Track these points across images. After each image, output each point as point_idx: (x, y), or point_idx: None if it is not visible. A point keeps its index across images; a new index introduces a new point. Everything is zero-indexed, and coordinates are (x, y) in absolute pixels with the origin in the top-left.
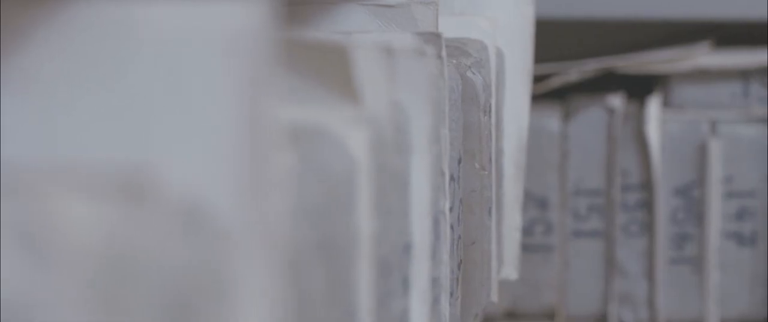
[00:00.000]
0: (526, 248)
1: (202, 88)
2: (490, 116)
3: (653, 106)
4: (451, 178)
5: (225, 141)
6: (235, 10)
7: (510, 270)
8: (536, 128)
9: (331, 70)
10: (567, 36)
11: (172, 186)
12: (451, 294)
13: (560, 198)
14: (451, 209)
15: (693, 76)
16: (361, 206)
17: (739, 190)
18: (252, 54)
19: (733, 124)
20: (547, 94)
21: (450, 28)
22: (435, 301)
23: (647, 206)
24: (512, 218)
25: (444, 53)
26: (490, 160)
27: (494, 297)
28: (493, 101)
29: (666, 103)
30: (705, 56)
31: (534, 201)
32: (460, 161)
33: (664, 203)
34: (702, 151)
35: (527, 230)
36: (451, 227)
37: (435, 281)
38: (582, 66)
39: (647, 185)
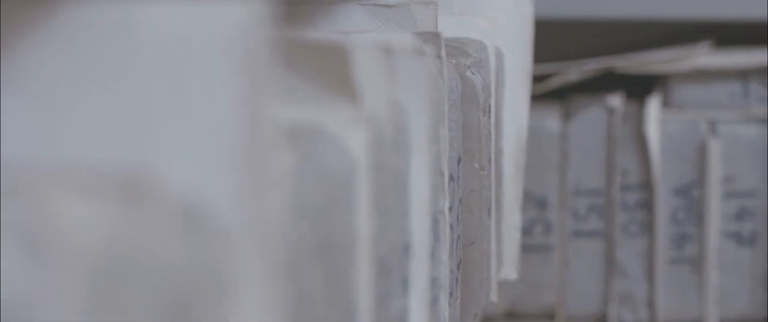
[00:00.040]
0: (526, 248)
1: (201, 88)
2: (489, 116)
3: (653, 106)
4: (451, 178)
5: (224, 141)
6: (234, 10)
7: (509, 270)
8: (536, 128)
9: (331, 70)
10: (567, 36)
11: (172, 186)
12: (451, 294)
13: (560, 198)
14: (450, 209)
15: (693, 76)
16: (361, 206)
17: (739, 190)
18: (251, 54)
19: (733, 124)
20: (546, 94)
21: (449, 28)
22: (434, 301)
23: (647, 206)
24: (512, 218)
25: (443, 53)
26: (490, 160)
27: (494, 297)
28: (492, 101)
29: (666, 103)
30: (705, 56)
31: (533, 201)
32: (459, 161)
33: (664, 203)
34: (702, 152)
35: (527, 230)
36: (451, 227)
37: (434, 281)
38: (582, 66)
39: (647, 185)
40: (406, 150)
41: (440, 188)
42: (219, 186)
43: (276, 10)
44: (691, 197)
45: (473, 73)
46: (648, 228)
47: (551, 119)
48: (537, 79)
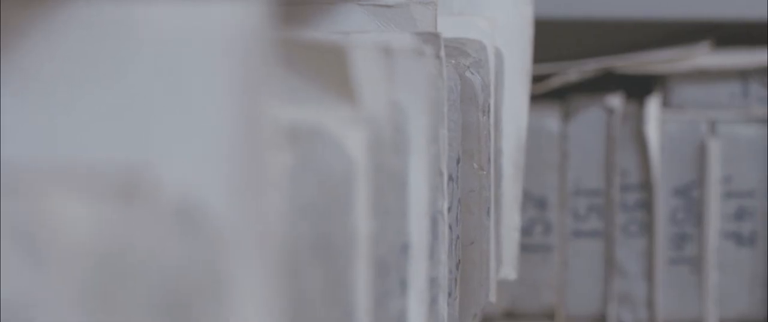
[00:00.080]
0: (525, 248)
1: (200, 88)
2: (488, 116)
3: (653, 106)
4: (450, 178)
5: (223, 141)
6: (234, 10)
7: (509, 270)
8: (535, 128)
9: (330, 70)
10: (566, 36)
11: (171, 186)
12: (450, 294)
13: (559, 198)
14: (449, 209)
15: (692, 76)
16: (359, 206)
17: (739, 190)
18: (251, 54)
19: (733, 125)
20: (546, 94)
21: (449, 28)
22: (433, 301)
23: (646, 206)
24: (511, 218)
25: (443, 53)
26: (489, 160)
27: (493, 297)
28: (491, 101)
29: (665, 104)
30: (704, 56)
31: (533, 201)
32: (458, 161)
33: (664, 203)
34: (701, 152)
35: (526, 230)
36: (450, 227)
37: (433, 281)
38: (581, 66)
39: (646, 185)
40: (405, 150)
41: (439, 188)
42: (218, 186)
43: (276, 10)
44: (691, 197)
45: (472, 74)
46: (647, 228)
47: (551, 119)
48: (537, 79)
